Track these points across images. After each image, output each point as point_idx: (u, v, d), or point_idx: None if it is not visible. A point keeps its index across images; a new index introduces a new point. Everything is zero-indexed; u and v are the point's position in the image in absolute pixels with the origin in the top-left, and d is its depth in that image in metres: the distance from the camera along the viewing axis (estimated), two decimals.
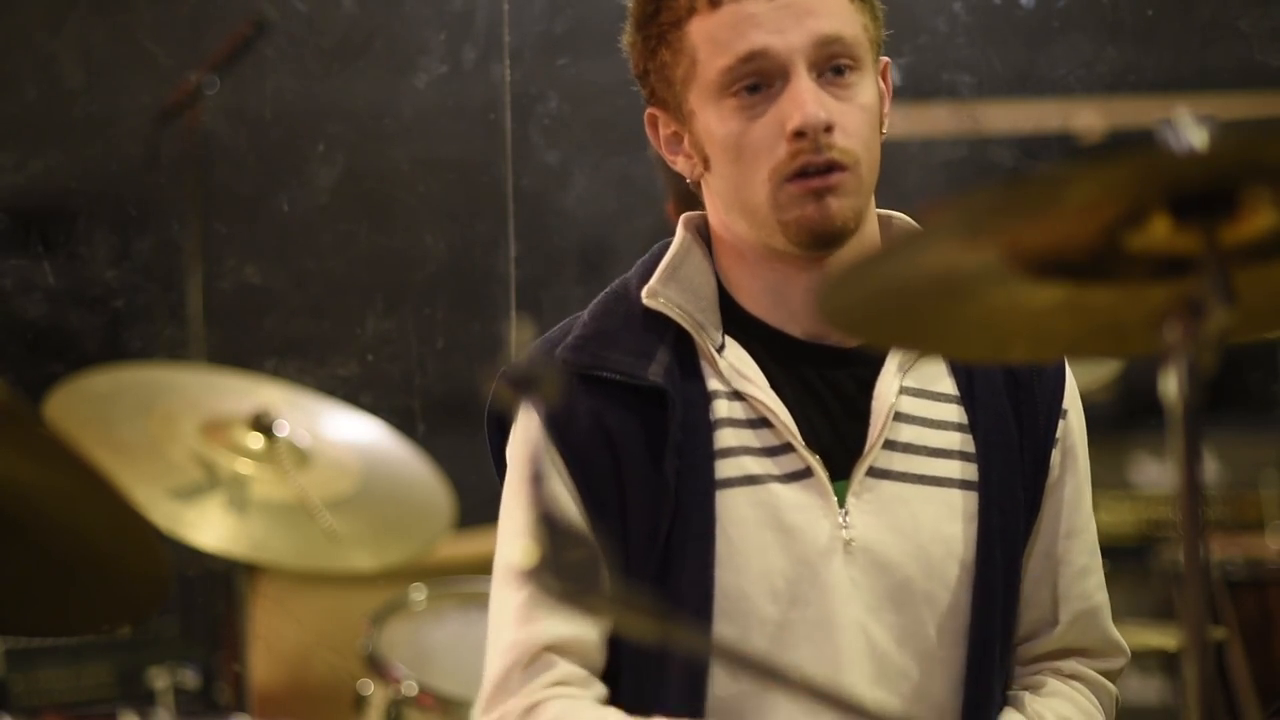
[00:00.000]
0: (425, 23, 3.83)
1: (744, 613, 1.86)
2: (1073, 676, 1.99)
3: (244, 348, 3.71)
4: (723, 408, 1.89)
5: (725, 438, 1.88)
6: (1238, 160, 1.26)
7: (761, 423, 1.89)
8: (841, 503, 1.88)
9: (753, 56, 1.83)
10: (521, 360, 1.93)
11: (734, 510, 1.87)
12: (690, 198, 2.01)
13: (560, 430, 1.87)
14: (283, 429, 3.11)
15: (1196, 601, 1.28)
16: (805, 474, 1.88)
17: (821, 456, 1.89)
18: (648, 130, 1.96)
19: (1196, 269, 1.29)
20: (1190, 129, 1.23)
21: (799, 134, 1.82)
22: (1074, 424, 1.99)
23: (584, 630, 1.87)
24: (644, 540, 1.86)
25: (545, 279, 3.82)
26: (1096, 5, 3.83)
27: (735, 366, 1.90)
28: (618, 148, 3.78)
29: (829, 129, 1.82)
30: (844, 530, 1.88)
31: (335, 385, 3.59)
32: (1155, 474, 4.38)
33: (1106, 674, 2.00)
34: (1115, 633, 2.02)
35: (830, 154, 1.82)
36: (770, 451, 1.88)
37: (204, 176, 3.71)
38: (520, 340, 1.34)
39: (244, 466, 3.08)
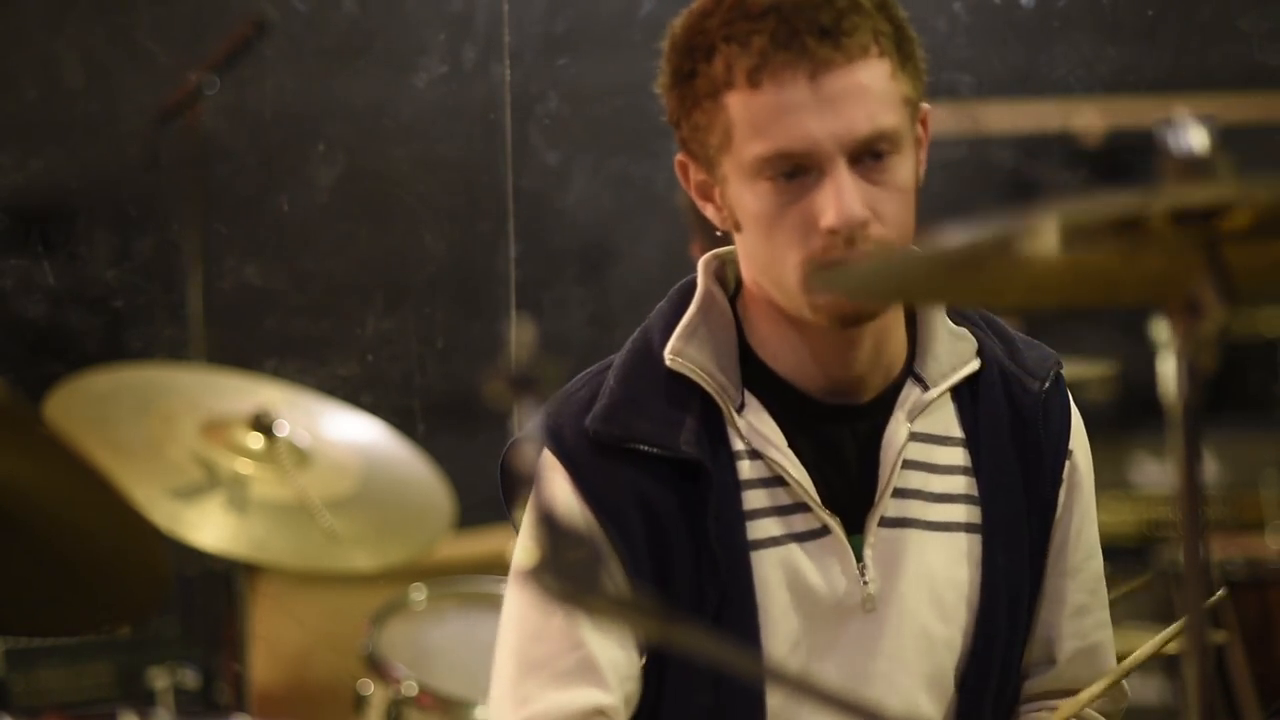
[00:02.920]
0: (425, 23, 3.83)
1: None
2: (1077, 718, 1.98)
3: (244, 348, 3.71)
4: (746, 468, 1.88)
5: (752, 499, 1.88)
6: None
7: (778, 481, 1.88)
8: (859, 556, 1.88)
9: (791, 154, 1.78)
10: (548, 423, 1.90)
11: (764, 570, 1.86)
12: (717, 240, 1.99)
13: (601, 504, 1.85)
14: (283, 429, 3.11)
15: (1196, 602, 1.28)
16: (823, 532, 1.88)
17: (839, 513, 1.88)
18: (678, 173, 1.91)
19: (1196, 268, 1.29)
20: (1190, 129, 1.23)
21: (833, 231, 1.78)
22: (1080, 463, 1.98)
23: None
24: (690, 610, 1.84)
25: (545, 279, 3.82)
26: (1096, 5, 3.83)
27: (754, 426, 1.88)
28: (618, 148, 3.78)
29: (864, 225, 1.78)
30: (864, 585, 1.87)
31: (335, 385, 3.59)
32: (1155, 474, 4.37)
33: (1107, 716, 1.99)
34: None
35: (864, 246, 1.79)
36: (787, 510, 1.88)
37: (204, 176, 3.71)
38: (520, 340, 1.33)
39: (244, 466, 3.07)
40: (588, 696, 1.84)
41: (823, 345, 1.88)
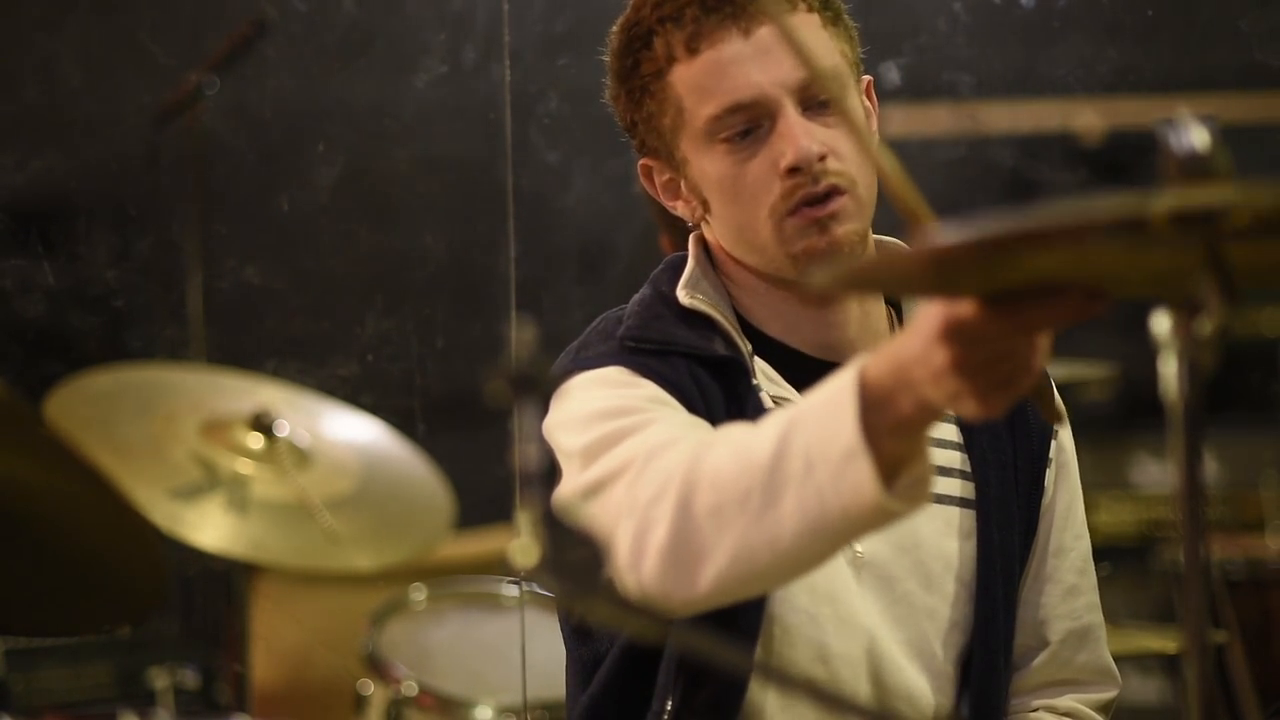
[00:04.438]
0: (425, 23, 3.83)
1: (787, 593, 1.85)
2: (1068, 714, 1.98)
3: (244, 348, 3.71)
4: (767, 400, 1.89)
5: None
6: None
7: None
8: None
9: (739, 107, 1.84)
10: (577, 360, 1.90)
11: None
12: (684, 232, 2.01)
13: (660, 375, 1.84)
14: (283, 429, 3.11)
15: (1196, 602, 1.28)
16: None
17: None
18: (643, 180, 1.96)
19: (1196, 267, 1.29)
20: (1190, 129, 1.23)
21: (794, 170, 1.82)
22: (1065, 442, 2.00)
23: None
24: None
25: (545, 279, 3.82)
26: (1096, 5, 3.83)
27: (766, 374, 1.91)
28: (618, 148, 3.75)
29: (822, 158, 1.83)
30: (853, 546, 1.87)
31: (335, 385, 3.59)
32: (1155, 474, 4.38)
33: (1099, 706, 2.00)
34: (1109, 659, 2.01)
35: (827, 180, 1.83)
36: None
37: (204, 176, 3.71)
38: (520, 340, 1.33)
39: (244, 466, 3.08)
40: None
41: (809, 310, 1.90)
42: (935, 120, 3.56)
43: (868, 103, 1.93)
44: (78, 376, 3.13)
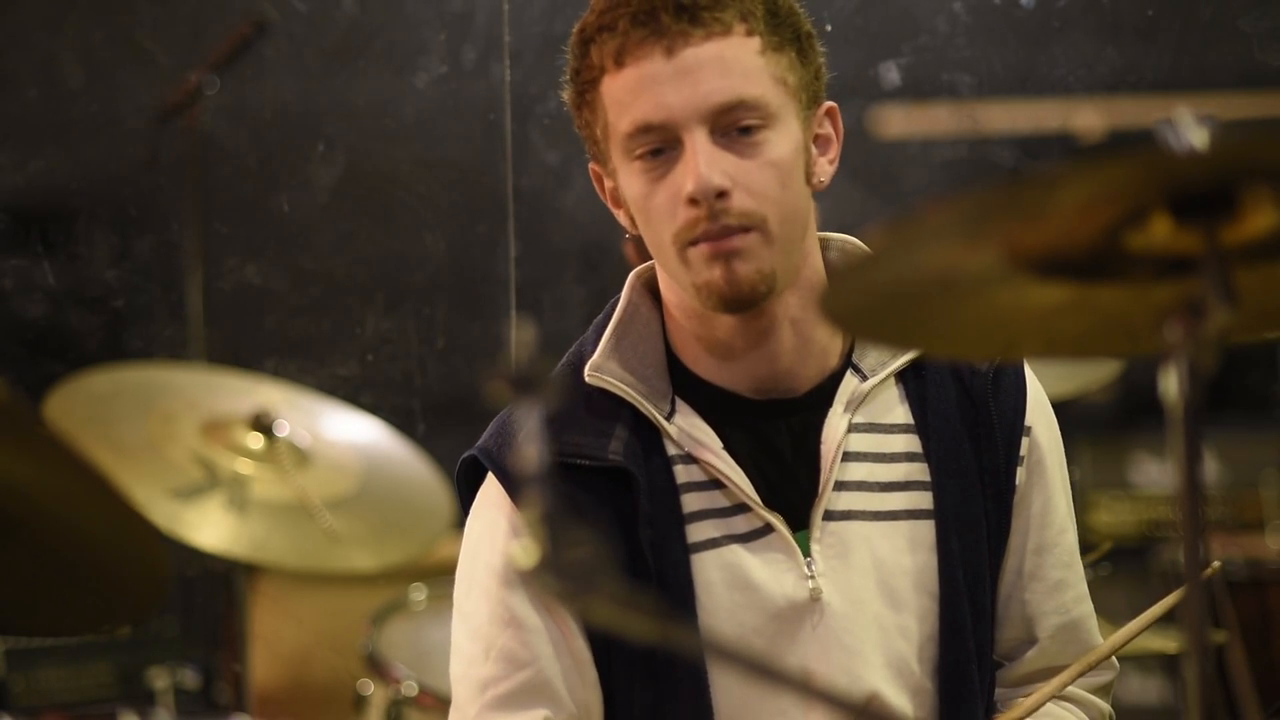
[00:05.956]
0: (425, 23, 3.83)
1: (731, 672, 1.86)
2: (1062, 696, 1.97)
3: (244, 348, 3.71)
4: (683, 472, 1.89)
5: (690, 501, 1.88)
6: (1237, 160, 1.26)
7: (715, 484, 1.89)
8: (807, 552, 1.88)
9: (650, 127, 1.81)
10: (489, 444, 1.93)
11: (705, 573, 1.87)
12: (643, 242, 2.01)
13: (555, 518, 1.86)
14: (283, 429, 3.11)
15: (1196, 602, 1.28)
16: (766, 531, 1.88)
17: (782, 510, 1.88)
18: (594, 183, 1.95)
19: (1197, 269, 1.29)
20: (1190, 129, 1.23)
21: (693, 200, 1.79)
22: (1041, 438, 1.97)
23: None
24: None
25: (545, 279, 3.82)
26: (1096, 5, 3.83)
27: (686, 431, 1.89)
28: None
29: (723, 194, 1.79)
30: (810, 580, 1.87)
31: (335, 385, 3.59)
32: (1155, 474, 4.38)
33: (1097, 689, 2.00)
34: (1101, 644, 2.00)
35: (726, 220, 1.80)
36: (728, 512, 1.88)
37: (204, 176, 3.71)
38: (520, 340, 1.33)
39: (244, 466, 3.08)
40: (532, 717, 1.86)
41: (737, 339, 1.88)
42: (935, 120, 3.56)
43: (827, 130, 1.89)
44: (78, 376, 3.13)
